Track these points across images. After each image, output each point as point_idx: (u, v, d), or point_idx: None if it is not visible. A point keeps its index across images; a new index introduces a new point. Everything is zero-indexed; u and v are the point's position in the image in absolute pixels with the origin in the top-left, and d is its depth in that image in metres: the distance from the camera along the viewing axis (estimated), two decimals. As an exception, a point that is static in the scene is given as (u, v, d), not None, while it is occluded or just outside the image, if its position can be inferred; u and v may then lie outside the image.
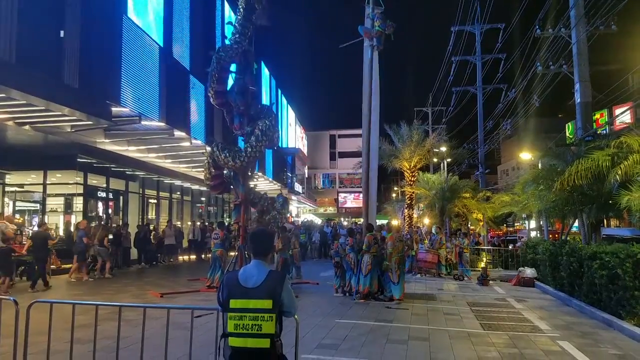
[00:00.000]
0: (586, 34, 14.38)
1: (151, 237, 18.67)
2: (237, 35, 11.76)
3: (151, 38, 16.30)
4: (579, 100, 14.09)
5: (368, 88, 13.36)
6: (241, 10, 11.68)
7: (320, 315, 9.05)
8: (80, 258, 13.76)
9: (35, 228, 14.63)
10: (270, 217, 12.88)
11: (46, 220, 15.04)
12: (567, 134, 31.51)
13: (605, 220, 15.56)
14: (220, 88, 11.96)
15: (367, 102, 13.32)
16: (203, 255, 21.13)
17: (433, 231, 17.83)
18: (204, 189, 24.20)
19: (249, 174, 12.78)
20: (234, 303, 2.99)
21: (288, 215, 13.24)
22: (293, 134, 47.54)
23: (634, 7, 15.75)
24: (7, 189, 16.41)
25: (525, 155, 24.70)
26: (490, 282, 14.11)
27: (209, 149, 12.90)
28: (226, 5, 23.70)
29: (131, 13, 15.00)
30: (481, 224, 23.68)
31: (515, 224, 34.47)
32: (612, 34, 15.78)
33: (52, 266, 13.56)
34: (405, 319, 8.88)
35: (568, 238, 14.12)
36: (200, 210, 27.91)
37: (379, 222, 15.69)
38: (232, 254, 12.97)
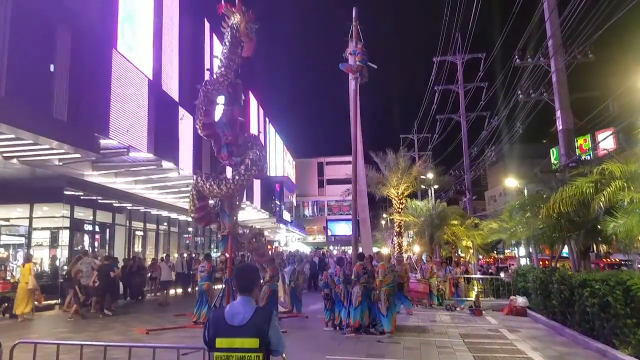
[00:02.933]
0: (565, 63, 14.76)
1: (136, 270, 18.28)
2: (222, 69, 11.85)
3: (140, 71, 16.45)
4: (560, 127, 14.37)
5: (354, 117, 13.86)
6: (227, 43, 11.79)
7: (309, 350, 8.85)
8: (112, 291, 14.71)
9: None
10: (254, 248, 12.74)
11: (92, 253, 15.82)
12: (552, 160, 31.94)
13: (595, 246, 15.57)
14: (208, 120, 11.98)
15: (354, 130, 13.80)
16: (190, 289, 20.72)
17: (424, 259, 17.68)
18: (191, 219, 23.99)
19: (237, 203, 12.69)
20: (220, 342, 2.94)
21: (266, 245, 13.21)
22: (281, 162, 47.69)
23: (609, 37, 16.27)
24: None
25: (511, 182, 24.83)
26: (483, 311, 13.99)
27: (192, 181, 12.83)
28: (214, 38, 24.12)
29: (121, 47, 15.18)
30: (471, 251, 23.61)
31: (506, 251, 34.42)
32: (591, 62, 16.22)
33: (35, 302, 13.23)
34: (397, 354, 8.72)
35: (558, 265, 14.12)
36: (187, 242, 27.58)
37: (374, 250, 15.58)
38: (218, 287, 12.72)
